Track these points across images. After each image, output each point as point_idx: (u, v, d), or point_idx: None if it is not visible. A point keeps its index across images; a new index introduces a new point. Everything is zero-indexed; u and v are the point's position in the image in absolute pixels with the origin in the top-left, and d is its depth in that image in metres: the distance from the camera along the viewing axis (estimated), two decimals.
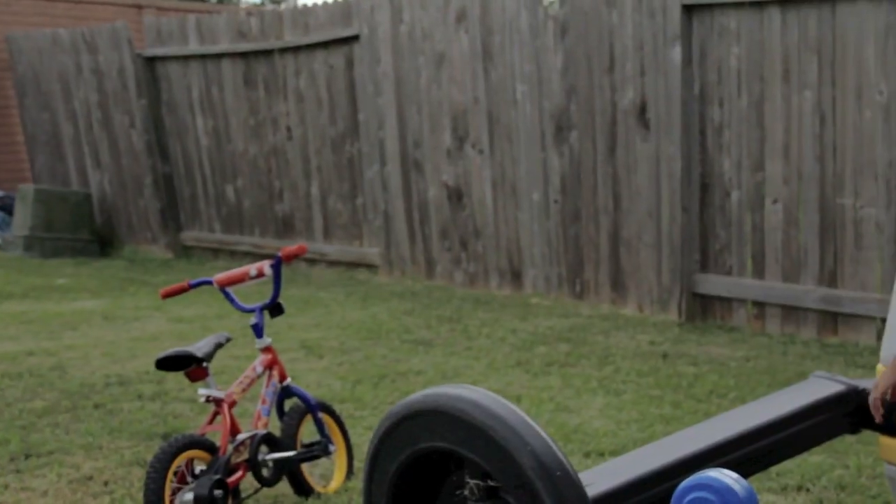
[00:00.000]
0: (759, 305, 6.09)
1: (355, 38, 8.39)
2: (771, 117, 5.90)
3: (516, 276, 7.53)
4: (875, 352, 5.22)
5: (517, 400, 4.87)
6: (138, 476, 3.87)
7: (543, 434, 2.18)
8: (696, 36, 6.21)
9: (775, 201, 5.93)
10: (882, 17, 5.37)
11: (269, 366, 3.71)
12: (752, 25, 5.92)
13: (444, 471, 2.45)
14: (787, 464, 3.71)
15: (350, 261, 8.80)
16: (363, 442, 4.16)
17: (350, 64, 8.52)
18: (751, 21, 5.92)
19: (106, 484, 3.85)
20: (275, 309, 3.71)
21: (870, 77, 5.46)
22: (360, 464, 3.90)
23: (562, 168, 7.07)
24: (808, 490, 3.63)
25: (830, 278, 5.74)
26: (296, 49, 8.77)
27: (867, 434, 3.36)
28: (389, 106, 8.20)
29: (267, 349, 3.72)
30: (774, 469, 3.68)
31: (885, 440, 2.99)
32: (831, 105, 5.64)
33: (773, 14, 5.82)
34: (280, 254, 3.69)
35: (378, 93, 8.27)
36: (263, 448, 3.57)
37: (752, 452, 2.83)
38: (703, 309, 6.40)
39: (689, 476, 1.90)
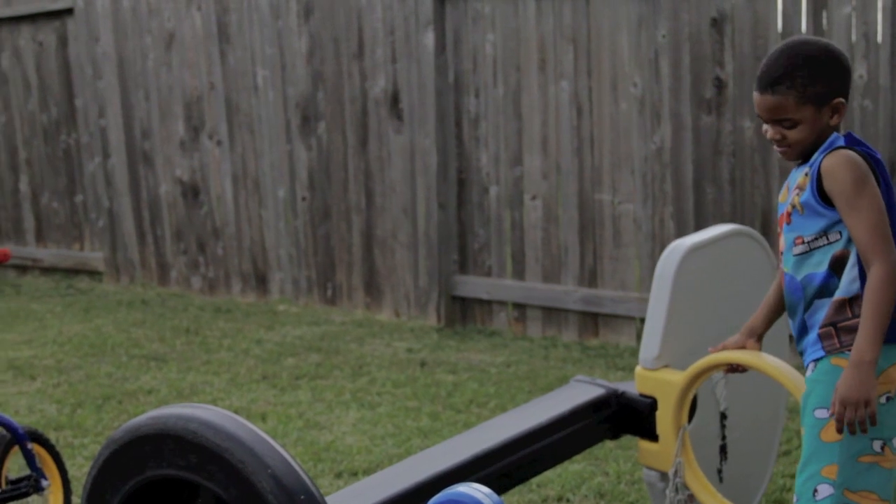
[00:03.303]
0: (520, 308, 6.32)
1: (69, 11, 8.05)
2: (528, 108, 6.14)
3: (261, 281, 7.46)
4: (635, 353, 5.54)
5: (262, 418, 4.84)
6: None
7: (285, 454, 2.18)
8: (449, 21, 6.36)
9: (534, 197, 6.18)
10: (635, 7, 5.70)
11: None
12: (507, 12, 6.14)
13: (177, 502, 2.40)
14: (548, 474, 3.88)
15: (69, 267, 8.45)
16: (84, 474, 4.00)
17: (63, 42, 8.17)
18: (505, 7, 6.14)
19: None
20: None
21: (624, 68, 5.78)
22: (79, 500, 3.75)
23: (309, 162, 7.07)
24: (568, 500, 3.81)
25: (591, 278, 6.04)
26: None
27: (626, 439, 3.57)
28: (112, 90, 7.93)
29: None
30: (535, 480, 3.84)
31: (644, 444, 3.19)
32: (588, 96, 5.93)
33: (528, 0, 6.06)
34: None
35: (98, 75, 7.98)
36: None
37: (511, 464, 2.95)
38: (462, 312, 6.57)
39: None
